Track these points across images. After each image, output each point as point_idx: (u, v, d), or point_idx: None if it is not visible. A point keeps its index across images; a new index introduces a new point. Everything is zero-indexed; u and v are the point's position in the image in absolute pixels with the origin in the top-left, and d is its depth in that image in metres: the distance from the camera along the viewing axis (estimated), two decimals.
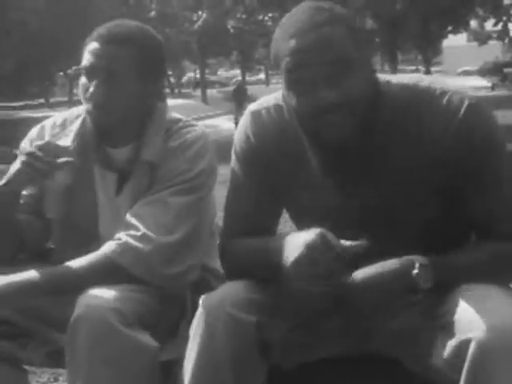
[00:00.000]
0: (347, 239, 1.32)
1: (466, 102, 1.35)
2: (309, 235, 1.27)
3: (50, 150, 1.50)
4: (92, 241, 1.59)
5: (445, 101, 1.36)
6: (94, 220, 1.64)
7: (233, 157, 1.53)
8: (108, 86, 1.54)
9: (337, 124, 1.30)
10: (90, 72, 1.55)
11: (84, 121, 1.64)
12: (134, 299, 1.45)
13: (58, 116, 1.75)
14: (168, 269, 1.51)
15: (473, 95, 1.38)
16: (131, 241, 1.49)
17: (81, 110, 1.68)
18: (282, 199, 1.51)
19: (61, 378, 2.54)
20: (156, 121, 1.62)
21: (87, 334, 1.38)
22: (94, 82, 1.54)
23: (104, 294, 1.42)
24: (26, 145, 1.71)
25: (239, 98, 18.83)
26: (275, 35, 1.36)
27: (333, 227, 1.35)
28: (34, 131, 1.73)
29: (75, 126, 1.66)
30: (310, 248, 1.26)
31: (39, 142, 1.53)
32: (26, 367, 1.68)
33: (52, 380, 2.60)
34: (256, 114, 1.49)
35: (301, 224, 1.50)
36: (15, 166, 1.51)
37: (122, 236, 1.51)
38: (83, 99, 1.58)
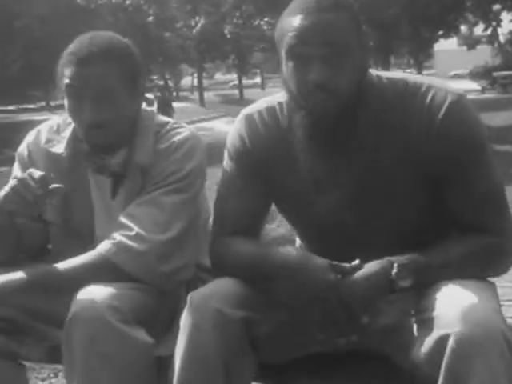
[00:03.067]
0: (336, 229, 1.35)
1: (449, 98, 1.37)
2: (325, 271, 1.31)
3: (42, 182, 1.48)
4: (88, 243, 1.59)
5: (430, 96, 1.38)
6: (90, 223, 1.64)
7: (225, 157, 1.54)
8: (101, 104, 1.53)
9: (321, 101, 1.33)
10: (79, 93, 1.53)
11: (75, 128, 1.63)
12: (129, 296, 1.45)
13: (53, 120, 1.75)
14: (163, 266, 1.51)
15: (458, 91, 1.39)
16: (125, 240, 1.50)
17: None
18: (272, 196, 1.52)
19: (60, 374, 2.54)
20: (145, 125, 1.63)
21: (83, 330, 1.38)
22: (85, 103, 1.52)
23: (100, 292, 1.42)
24: (22, 149, 1.71)
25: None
26: (283, 14, 1.41)
27: (320, 222, 1.38)
28: (30, 135, 1.72)
29: (67, 133, 1.66)
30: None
31: (34, 173, 1.50)
32: (25, 363, 1.67)
33: (52, 376, 2.60)
34: (249, 117, 1.51)
35: (289, 218, 1.55)
36: (6, 187, 1.50)
37: (116, 236, 1.51)
38: (75, 122, 1.57)
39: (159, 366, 1.47)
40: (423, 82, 1.41)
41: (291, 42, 1.34)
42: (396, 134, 1.39)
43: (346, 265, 1.33)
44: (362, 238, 1.44)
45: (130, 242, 1.49)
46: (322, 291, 1.30)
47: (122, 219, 1.53)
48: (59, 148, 1.65)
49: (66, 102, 1.57)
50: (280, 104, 1.49)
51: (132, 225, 1.51)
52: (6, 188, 1.50)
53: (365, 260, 1.34)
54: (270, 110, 1.49)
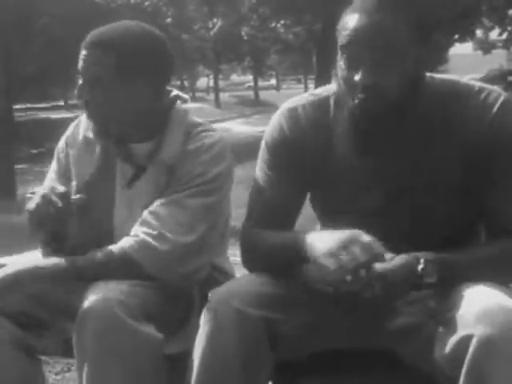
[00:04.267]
0: (371, 225, 1.36)
1: (501, 99, 1.37)
2: (343, 233, 1.30)
3: (63, 197, 1.54)
4: (106, 231, 1.61)
5: (482, 97, 1.39)
6: (110, 211, 1.65)
7: (262, 149, 1.54)
8: (93, 90, 1.55)
9: (366, 106, 1.34)
10: (84, 75, 1.57)
11: None
12: (139, 293, 1.46)
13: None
14: (181, 268, 1.52)
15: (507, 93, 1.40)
16: (148, 239, 1.50)
17: None
18: (307, 185, 1.52)
19: (73, 368, 2.53)
20: (175, 123, 1.62)
21: (93, 325, 1.38)
22: (81, 86, 1.56)
23: (111, 288, 1.43)
24: (61, 143, 1.75)
25: None
26: (347, 10, 1.39)
27: (358, 214, 1.40)
28: (70, 127, 1.76)
29: None
30: (345, 241, 1.27)
31: (57, 188, 1.56)
32: (40, 357, 1.68)
33: (65, 370, 2.61)
34: (292, 110, 1.51)
35: (326, 214, 1.55)
36: (33, 202, 1.55)
37: (139, 233, 1.52)
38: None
39: (172, 363, 1.47)
40: (474, 83, 1.42)
41: (343, 41, 1.35)
42: (448, 133, 1.39)
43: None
44: (393, 234, 1.42)
45: (152, 241, 1.49)
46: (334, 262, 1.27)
47: (146, 216, 1.53)
48: (91, 134, 1.67)
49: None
50: (326, 98, 1.49)
51: (156, 224, 1.51)
52: (32, 203, 1.54)
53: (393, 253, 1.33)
54: (315, 103, 1.50)
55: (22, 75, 19.01)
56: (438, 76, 1.46)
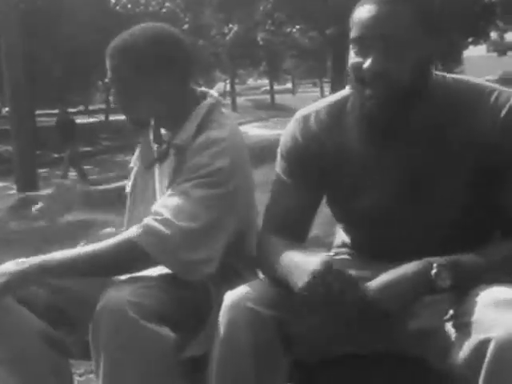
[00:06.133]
0: (388, 223, 1.35)
1: None
2: (314, 263, 1.27)
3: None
4: None
5: (493, 97, 1.38)
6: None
7: (278, 157, 1.55)
8: (119, 94, 1.66)
9: (376, 93, 1.33)
10: (110, 82, 1.66)
11: None
12: (154, 295, 1.48)
13: None
14: (184, 254, 1.51)
15: None
16: (153, 223, 1.52)
17: None
18: (324, 189, 1.52)
19: None
20: (194, 115, 1.66)
21: (106, 324, 1.41)
22: (112, 93, 1.67)
23: (125, 288, 1.45)
24: None
25: (66, 134, 12.26)
26: (358, 3, 1.40)
27: (370, 214, 1.40)
28: None
29: None
30: (316, 276, 1.26)
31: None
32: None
33: (89, 371, 2.61)
34: (306, 118, 1.52)
35: (338, 211, 1.55)
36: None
37: (146, 220, 1.54)
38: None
39: (195, 365, 1.47)
40: (486, 84, 1.42)
41: (355, 31, 1.35)
42: (458, 130, 1.38)
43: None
44: (409, 232, 1.42)
45: (156, 225, 1.51)
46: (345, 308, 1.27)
47: (155, 207, 1.56)
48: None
49: None
50: (339, 103, 1.49)
51: (162, 211, 1.53)
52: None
53: (408, 255, 1.31)
54: (328, 109, 1.50)
55: (45, 81, 19.20)
56: (449, 75, 1.45)
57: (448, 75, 1.45)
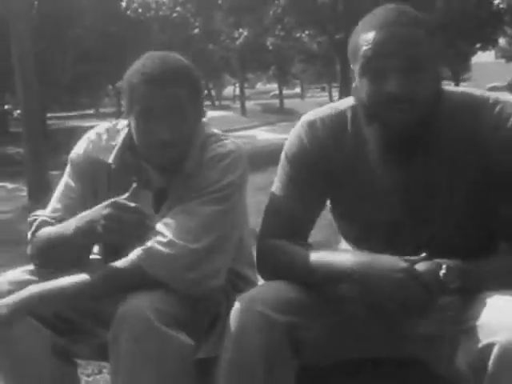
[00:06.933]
0: (390, 236, 1.34)
1: None
2: (397, 261, 1.30)
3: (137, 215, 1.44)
4: None
5: (497, 109, 1.38)
6: None
7: (282, 160, 1.54)
8: (176, 123, 1.53)
9: (400, 115, 1.33)
10: (155, 113, 1.52)
11: (124, 140, 1.64)
12: (171, 300, 1.46)
13: (102, 127, 1.74)
14: (189, 273, 1.49)
15: None
16: (157, 246, 1.49)
17: (120, 124, 1.68)
18: (328, 195, 1.52)
19: (104, 370, 2.56)
20: (197, 138, 1.61)
21: (128, 331, 1.39)
22: (161, 122, 1.52)
23: (144, 296, 1.43)
24: (74, 156, 1.70)
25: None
26: (356, 29, 1.40)
27: (376, 224, 1.39)
28: (81, 143, 1.71)
29: (117, 142, 1.65)
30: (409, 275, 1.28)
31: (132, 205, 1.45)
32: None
33: (96, 372, 2.62)
34: (311, 123, 1.51)
35: (346, 224, 1.55)
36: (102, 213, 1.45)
37: (150, 242, 1.50)
38: (145, 141, 1.55)
39: (201, 367, 1.47)
40: (489, 95, 1.41)
41: (368, 54, 1.34)
42: (466, 145, 1.38)
43: (414, 257, 1.31)
44: (414, 244, 1.41)
45: (159, 247, 1.48)
46: (399, 278, 1.28)
47: (158, 227, 1.51)
48: (108, 158, 1.64)
49: (135, 119, 1.55)
50: (344, 111, 1.48)
51: (166, 232, 1.50)
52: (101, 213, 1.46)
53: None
54: (333, 115, 1.49)
55: (55, 84, 19.29)
56: (451, 88, 1.45)
57: (453, 89, 1.45)
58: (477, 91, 1.45)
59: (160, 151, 1.54)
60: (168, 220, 1.53)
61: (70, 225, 1.54)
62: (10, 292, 1.51)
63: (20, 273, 1.61)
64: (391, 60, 1.31)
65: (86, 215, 1.51)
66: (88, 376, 2.60)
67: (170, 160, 1.56)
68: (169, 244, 1.48)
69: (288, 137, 1.56)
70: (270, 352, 1.30)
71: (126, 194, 1.48)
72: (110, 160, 1.63)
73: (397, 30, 1.32)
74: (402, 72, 1.31)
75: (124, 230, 1.44)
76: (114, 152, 1.64)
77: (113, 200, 1.46)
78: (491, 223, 1.41)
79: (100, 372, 2.62)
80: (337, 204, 1.54)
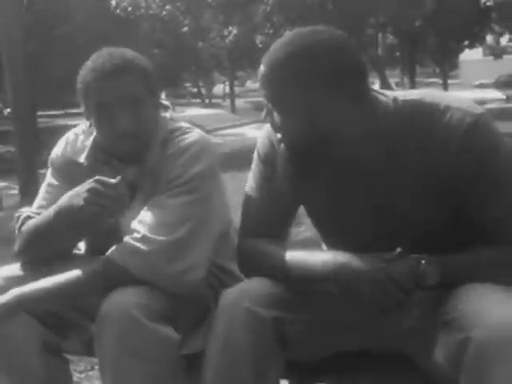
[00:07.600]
0: (359, 236, 1.35)
1: (468, 120, 1.32)
2: (373, 262, 1.31)
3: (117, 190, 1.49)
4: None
5: (448, 116, 1.34)
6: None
7: (254, 160, 1.55)
8: (132, 113, 1.56)
9: (288, 145, 1.37)
10: (110, 105, 1.55)
11: (95, 139, 1.66)
12: (156, 296, 1.47)
13: (79, 128, 1.77)
14: (168, 268, 1.49)
15: (476, 111, 1.35)
16: (131, 242, 1.50)
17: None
18: (300, 199, 1.52)
19: (97, 367, 2.54)
20: (159, 132, 1.63)
21: (113, 327, 1.40)
22: (117, 113, 1.55)
23: (128, 291, 1.45)
24: (53, 156, 1.74)
25: None
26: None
27: (345, 224, 1.40)
28: (59, 143, 1.75)
29: (89, 142, 1.68)
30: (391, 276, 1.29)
31: (113, 180, 1.49)
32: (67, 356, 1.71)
33: (89, 368, 2.63)
34: None
35: (319, 224, 1.55)
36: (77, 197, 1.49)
37: (125, 239, 1.52)
38: (106, 134, 1.59)
39: (188, 363, 1.48)
40: (440, 102, 1.36)
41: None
42: (413, 156, 1.36)
43: (390, 255, 1.32)
44: (383, 247, 1.41)
45: (134, 243, 1.50)
46: (374, 277, 1.29)
47: (132, 225, 1.53)
48: (81, 157, 1.67)
49: (94, 116, 1.58)
50: None
51: (140, 228, 1.51)
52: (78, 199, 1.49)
53: None
54: None
55: (46, 82, 19.15)
56: (402, 97, 1.39)
57: (401, 97, 1.39)
58: (427, 97, 1.38)
59: (120, 142, 1.57)
60: (141, 217, 1.54)
61: (52, 208, 1.57)
62: (4, 288, 1.52)
63: (15, 269, 1.62)
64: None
65: (66, 195, 1.54)
66: (80, 373, 2.61)
67: (131, 151, 1.59)
68: (143, 239, 1.49)
69: (259, 136, 1.56)
70: (256, 347, 1.32)
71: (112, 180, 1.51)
72: (82, 159, 1.66)
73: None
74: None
75: (104, 204, 1.47)
76: (86, 151, 1.67)
77: (96, 177, 1.50)
78: (464, 225, 1.40)
79: (92, 368, 2.62)
80: (307, 206, 1.55)
